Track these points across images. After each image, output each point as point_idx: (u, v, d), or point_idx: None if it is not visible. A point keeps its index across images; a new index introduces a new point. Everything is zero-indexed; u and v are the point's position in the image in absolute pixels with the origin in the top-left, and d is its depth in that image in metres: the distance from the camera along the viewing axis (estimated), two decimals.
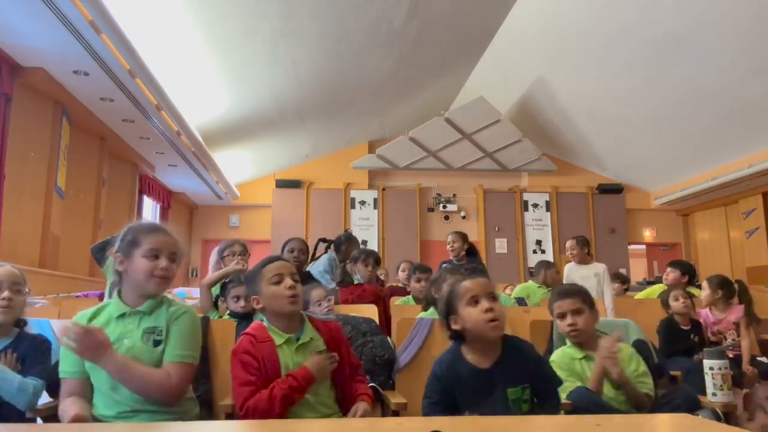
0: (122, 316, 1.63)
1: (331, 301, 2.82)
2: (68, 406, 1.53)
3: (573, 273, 4.25)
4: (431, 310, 2.74)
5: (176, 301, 1.78)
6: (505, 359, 1.72)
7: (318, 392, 1.71)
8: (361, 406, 1.71)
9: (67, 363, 1.59)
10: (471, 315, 1.71)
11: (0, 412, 1.78)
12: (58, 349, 2.28)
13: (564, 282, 4.36)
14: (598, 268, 4.23)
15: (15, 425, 1.70)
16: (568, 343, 2.13)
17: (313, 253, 4.54)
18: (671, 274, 4.25)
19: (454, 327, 1.76)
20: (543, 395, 1.73)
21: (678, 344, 3.26)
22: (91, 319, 1.64)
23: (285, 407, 1.61)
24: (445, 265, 4.56)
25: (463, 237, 4.47)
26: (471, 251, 4.49)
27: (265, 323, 1.79)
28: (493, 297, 1.73)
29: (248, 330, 1.78)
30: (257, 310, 1.82)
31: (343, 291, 3.56)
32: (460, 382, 1.69)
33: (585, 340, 2.07)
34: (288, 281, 1.76)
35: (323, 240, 4.60)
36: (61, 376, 1.60)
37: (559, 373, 2.03)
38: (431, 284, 2.88)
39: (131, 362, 1.54)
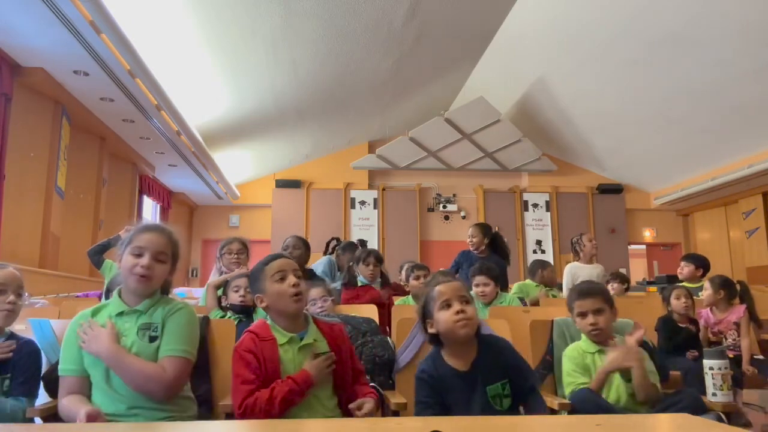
0: (120, 314, 1.64)
1: (328, 302, 2.81)
2: (74, 404, 1.54)
3: (578, 272, 4.23)
4: None
5: (174, 300, 1.78)
6: (482, 358, 1.75)
7: (319, 395, 1.71)
8: (368, 404, 1.69)
9: (67, 361, 1.61)
10: (443, 317, 1.74)
11: None
12: (52, 350, 2.27)
13: (567, 282, 4.35)
14: (599, 268, 4.26)
15: (14, 425, 1.70)
16: (583, 337, 2.15)
17: (325, 249, 4.66)
18: (686, 268, 4.26)
19: (430, 330, 1.79)
20: (522, 391, 1.74)
21: (676, 339, 3.25)
22: (92, 317, 1.65)
23: (284, 409, 1.60)
24: (463, 252, 4.48)
25: (484, 230, 4.27)
26: (494, 243, 4.28)
27: (269, 321, 1.78)
28: (465, 300, 1.75)
29: (251, 328, 1.77)
30: (262, 308, 1.81)
31: (346, 292, 3.56)
32: (444, 385, 1.72)
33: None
34: (291, 278, 1.75)
35: (336, 240, 4.71)
36: (60, 374, 1.60)
37: (570, 366, 2.08)
38: (425, 286, 2.87)
39: (126, 354, 1.57)
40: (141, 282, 1.63)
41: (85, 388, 1.60)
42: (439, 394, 1.71)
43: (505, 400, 1.71)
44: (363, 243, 4.82)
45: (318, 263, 4.51)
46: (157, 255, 1.64)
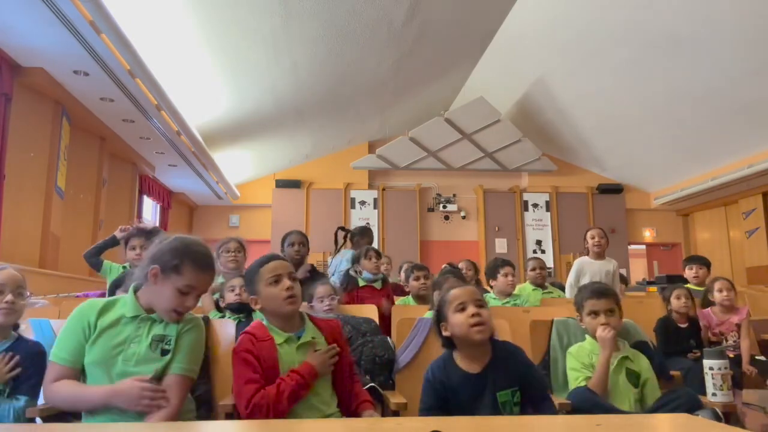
0: (135, 317, 1.62)
1: (335, 300, 2.83)
2: (82, 387, 1.55)
3: (586, 267, 4.15)
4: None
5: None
6: (495, 364, 1.75)
7: (319, 392, 1.72)
8: (368, 415, 1.73)
9: (63, 350, 1.57)
10: (458, 320, 1.75)
11: None
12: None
13: (573, 275, 4.28)
14: (610, 265, 4.13)
15: (15, 425, 1.70)
16: (588, 338, 2.17)
17: (335, 239, 4.60)
18: (700, 271, 4.22)
19: (444, 333, 1.80)
20: (534, 399, 1.75)
21: (675, 343, 3.25)
22: (102, 312, 1.61)
23: (292, 403, 1.62)
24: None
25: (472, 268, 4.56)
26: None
27: (264, 322, 1.79)
28: (480, 304, 1.76)
29: (248, 329, 1.77)
30: (257, 309, 1.82)
31: (347, 296, 3.55)
32: (452, 388, 1.72)
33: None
34: (285, 282, 1.75)
35: (342, 229, 4.66)
36: (53, 359, 1.56)
37: (575, 363, 2.10)
38: (433, 289, 2.91)
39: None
40: (175, 317, 1.64)
41: (77, 380, 1.57)
42: (445, 399, 1.72)
43: (514, 408, 1.71)
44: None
45: (342, 258, 4.41)
46: (200, 295, 1.66)
